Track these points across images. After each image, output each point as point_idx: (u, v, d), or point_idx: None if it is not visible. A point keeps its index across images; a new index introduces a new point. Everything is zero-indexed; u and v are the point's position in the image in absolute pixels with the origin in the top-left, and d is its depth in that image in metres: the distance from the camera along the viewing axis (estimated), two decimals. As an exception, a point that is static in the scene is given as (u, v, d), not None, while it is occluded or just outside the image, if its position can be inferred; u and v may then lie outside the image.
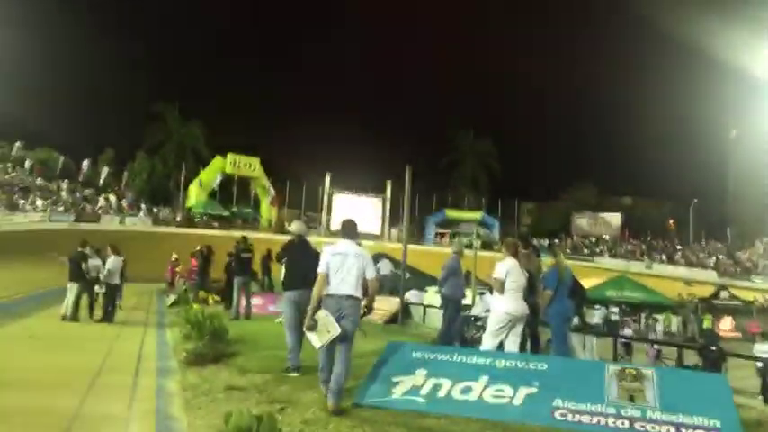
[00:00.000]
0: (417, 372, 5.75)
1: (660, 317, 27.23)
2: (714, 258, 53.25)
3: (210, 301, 15.76)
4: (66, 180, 45.48)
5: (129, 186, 51.48)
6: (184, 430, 4.80)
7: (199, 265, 18.12)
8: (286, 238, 8.58)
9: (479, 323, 9.80)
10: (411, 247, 18.73)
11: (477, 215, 55.34)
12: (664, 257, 54.34)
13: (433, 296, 15.25)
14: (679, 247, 56.62)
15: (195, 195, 49.65)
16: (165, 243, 33.42)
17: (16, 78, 50.49)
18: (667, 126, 64.32)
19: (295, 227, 8.05)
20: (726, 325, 27.48)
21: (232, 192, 51.16)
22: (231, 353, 8.04)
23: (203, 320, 8.68)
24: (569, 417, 5.16)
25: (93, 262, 13.28)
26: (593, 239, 60.06)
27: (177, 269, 23.29)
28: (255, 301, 14.24)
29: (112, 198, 45.70)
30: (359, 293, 5.61)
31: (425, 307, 14.63)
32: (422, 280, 18.88)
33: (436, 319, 11.93)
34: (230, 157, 50.32)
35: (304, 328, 5.73)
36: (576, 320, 9.28)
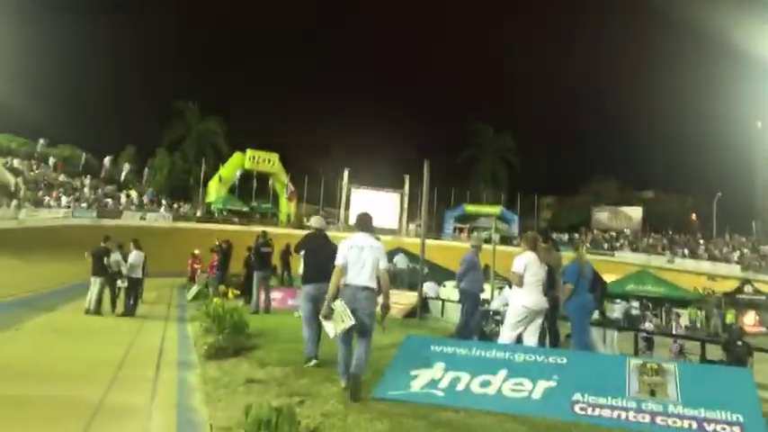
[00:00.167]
0: (436, 365, 5.75)
1: (683, 311, 26.86)
2: (738, 253, 52.34)
3: (230, 295, 15.90)
4: (88, 177, 46.13)
5: (149, 182, 52.06)
6: (205, 423, 4.85)
7: (219, 259, 18.30)
8: (305, 233, 8.64)
9: (498, 317, 9.77)
10: (429, 241, 18.70)
11: (497, 210, 54.96)
12: (686, 252, 53.54)
13: (451, 290, 15.23)
14: (702, 242, 55.74)
15: (215, 191, 50.04)
16: (186, 238, 33.80)
17: (39, 77, 51.42)
18: (689, 119, 63.36)
19: (314, 221, 8.16)
20: (750, 320, 27.02)
21: (251, 187, 51.41)
22: (251, 346, 8.11)
23: (223, 314, 8.78)
24: (589, 411, 5.12)
25: (115, 257, 13.47)
26: (614, 234, 59.38)
27: (197, 265, 23.53)
28: (275, 295, 14.35)
29: (134, 194, 46.25)
30: (374, 284, 5.81)
31: (444, 301, 14.61)
32: (440, 274, 18.85)
33: (455, 313, 11.91)
34: (249, 152, 50.60)
35: (320, 316, 5.95)
36: (596, 314, 9.21)
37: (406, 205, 54.06)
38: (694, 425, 4.89)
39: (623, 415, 5.07)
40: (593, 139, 73.95)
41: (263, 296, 13.13)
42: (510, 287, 7.45)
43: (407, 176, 52.94)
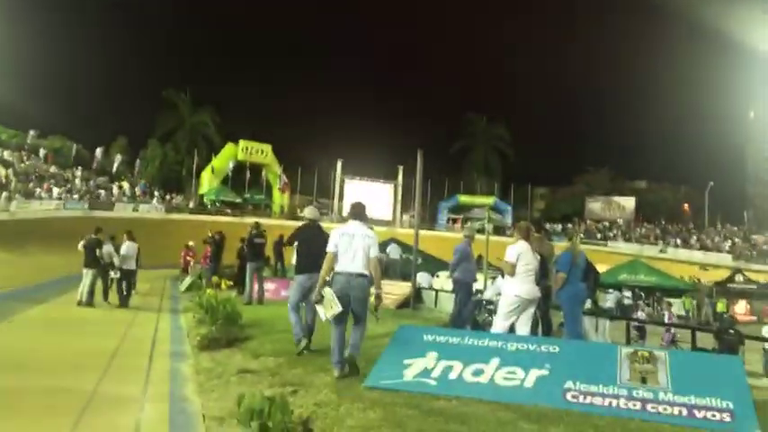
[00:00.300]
0: (428, 354, 5.76)
1: (675, 301, 27.04)
2: (730, 242, 52.67)
3: (223, 286, 15.88)
4: (79, 168, 45.84)
5: (141, 174, 51.79)
6: (198, 413, 4.85)
7: (212, 251, 18.26)
8: (298, 224, 8.63)
9: (491, 307, 9.79)
10: (423, 232, 18.74)
11: (490, 200, 55.04)
12: (678, 241, 53.84)
13: (444, 281, 15.27)
14: (694, 231, 56.06)
15: (208, 182, 49.85)
16: (178, 230, 33.71)
17: (30, 68, 50.94)
18: (683, 109, 63.53)
19: (308, 212, 8.18)
20: (741, 308, 27.24)
21: (244, 178, 51.23)
22: (244, 337, 8.11)
23: (216, 305, 8.76)
24: (581, 398, 5.15)
25: (107, 248, 13.41)
26: (607, 224, 59.61)
27: (191, 256, 23.46)
28: (268, 286, 14.32)
29: (126, 185, 46.02)
30: (367, 271, 5.94)
31: (437, 291, 14.64)
32: (433, 265, 18.88)
33: (448, 303, 11.94)
34: (242, 143, 50.40)
35: (312, 301, 6.27)
36: (588, 304, 9.25)
37: (399, 196, 54.06)
38: (684, 412, 4.93)
39: (614, 402, 5.10)
40: (587, 131, 74.16)
41: (256, 287, 13.11)
42: (503, 277, 7.47)
43: (401, 167, 52.89)
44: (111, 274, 13.50)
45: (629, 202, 62.26)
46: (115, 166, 49.87)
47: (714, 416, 4.89)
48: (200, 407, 4.99)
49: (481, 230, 18.35)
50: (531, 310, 6.89)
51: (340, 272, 5.93)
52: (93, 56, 62.73)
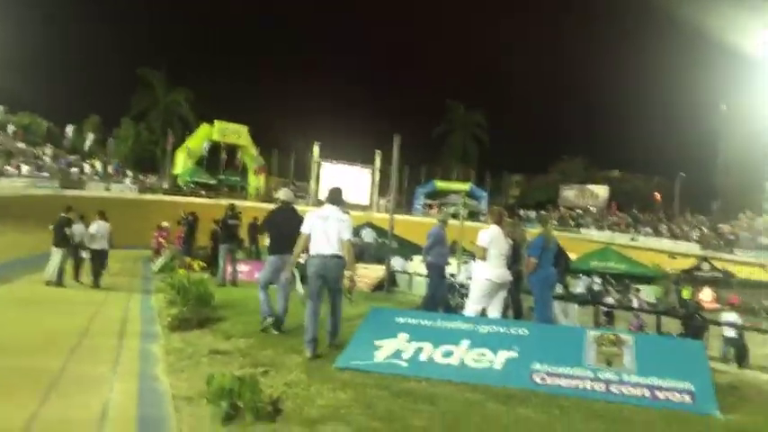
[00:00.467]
0: (400, 336, 5.81)
1: (643, 287, 27.59)
2: (698, 231, 53.83)
3: (196, 267, 15.73)
4: (50, 146, 44.78)
5: (114, 153, 50.82)
6: (167, 392, 4.82)
7: (184, 231, 18.07)
8: (273, 206, 8.59)
9: (463, 290, 9.90)
10: (399, 217, 18.77)
11: (466, 186, 55.27)
12: (649, 230, 54.85)
13: (418, 265, 15.35)
14: (664, 220, 57.15)
15: (182, 163, 49.13)
16: (152, 210, 33.22)
17: (-3, 41, 49.39)
18: (656, 101, 64.45)
19: (282, 194, 8.15)
20: (706, 296, 27.90)
21: (219, 160, 50.60)
22: (216, 318, 8.07)
23: (188, 286, 8.67)
24: (548, 380, 5.26)
25: (78, 228, 13.19)
26: (580, 211, 60.43)
27: (163, 237, 23.14)
28: (242, 268, 14.27)
29: (98, 164, 45.14)
30: (341, 253, 6.08)
31: (411, 275, 14.73)
32: (408, 249, 18.96)
33: (422, 286, 12.02)
34: (218, 124, 49.70)
35: (282, 281, 6.70)
36: (558, 289, 9.40)
37: (377, 181, 54.00)
38: (647, 393, 5.07)
39: (580, 384, 5.22)
40: (563, 120, 74.77)
41: (229, 269, 13.04)
42: (475, 261, 7.54)
43: (379, 152, 52.78)
44: (82, 254, 13.30)
45: (602, 191, 63.13)
46: (87, 144, 48.82)
47: (676, 397, 5.03)
48: (169, 387, 4.96)
49: (456, 216, 18.48)
50: (503, 293, 6.98)
51: (315, 254, 6.07)
52: (64, 32, 61.10)
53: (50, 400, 4.45)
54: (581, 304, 11.67)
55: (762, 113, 53.42)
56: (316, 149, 51.96)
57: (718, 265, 35.17)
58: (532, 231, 8.50)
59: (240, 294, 10.66)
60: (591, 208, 61.16)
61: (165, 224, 23.53)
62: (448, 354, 5.56)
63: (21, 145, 42.43)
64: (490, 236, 6.90)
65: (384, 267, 14.41)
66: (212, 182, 49.64)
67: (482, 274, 6.87)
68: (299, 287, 6.47)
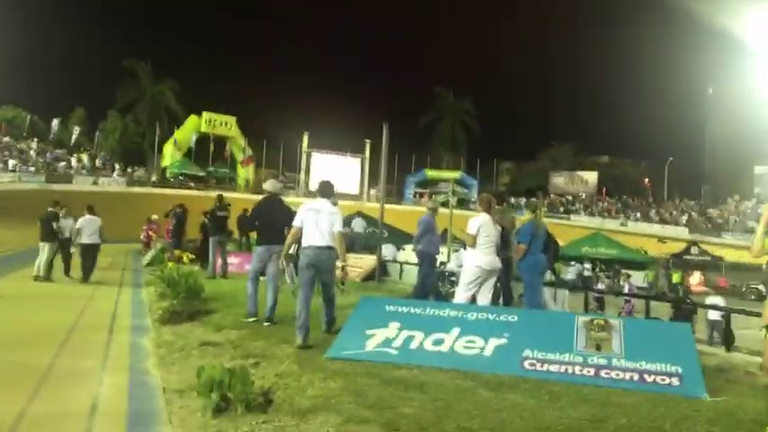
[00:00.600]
0: (390, 325, 5.82)
1: (635, 273, 27.82)
2: (687, 216, 54.26)
3: (185, 259, 15.68)
4: (35, 140, 44.32)
5: (101, 146, 50.40)
6: (158, 385, 4.82)
7: (173, 224, 17.97)
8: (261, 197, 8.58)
9: (454, 278, 9.92)
10: (389, 206, 18.76)
11: (456, 174, 55.36)
12: (638, 215, 55.22)
13: (410, 254, 15.36)
14: (654, 205, 57.54)
15: (170, 155, 48.81)
16: (140, 203, 33.05)
17: (-21, 34, 48.65)
18: (645, 85, 64.57)
19: (268, 185, 8.24)
20: (695, 279, 28.19)
21: (208, 151, 50.32)
22: (207, 311, 8.05)
23: (178, 279, 8.66)
24: (538, 366, 5.29)
25: (66, 222, 13.08)
26: (570, 198, 60.70)
27: (153, 230, 23.02)
28: (232, 260, 14.21)
29: (85, 158, 44.77)
30: (333, 244, 6.23)
31: (402, 264, 14.74)
32: (400, 238, 18.96)
33: (413, 275, 12.03)
34: (206, 115, 49.39)
35: (271, 273, 7.04)
36: (548, 275, 9.44)
37: (367, 170, 53.92)
38: (636, 377, 5.11)
39: (570, 369, 5.25)
40: (552, 106, 74.87)
41: (219, 261, 13.00)
42: (465, 248, 7.56)
43: (368, 141, 52.66)
44: (71, 249, 13.19)
45: (591, 177, 63.44)
46: (73, 137, 48.39)
47: (664, 380, 5.08)
48: (160, 380, 4.96)
49: (445, 204, 18.50)
50: (492, 280, 7.01)
51: (308, 245, 6.20)
52: (47, 24, 60.29)
53: (40, 394, 4.44)
54: (571, 290, 11.73)
55: (749, 97, 53.73)
56: (305, 140, 51.76)
57: (707, 248, 35.51)
58: (522, 218, 8.52)
59: (231, 286, 10.63)
60: (581, 194, 61.45)
61: (154, 217, 23.41)
62: (438, 341, 5.58)
63: (6, 139, 41.99)
64: (479, 223, 6.91)
65: (375, 257, 14.40)
66: (201, 174, 49.40)
67: (472, 262, 6.89)
68: (292, 278, 6.61)
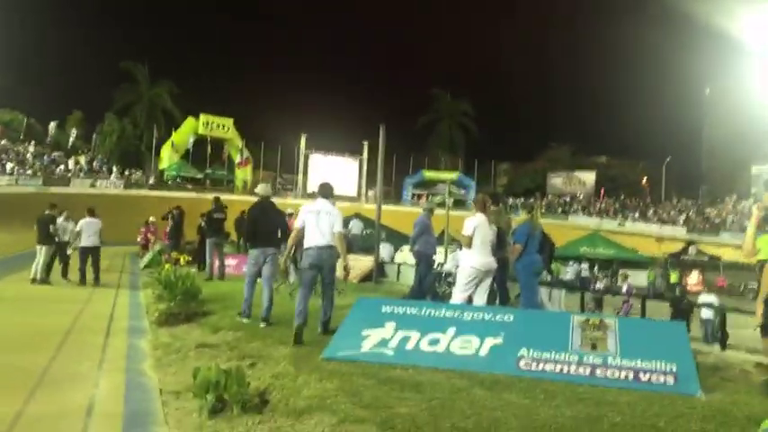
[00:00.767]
0: (386, 325, 5.82)
1: (633, 272, 27.84)
2: (685, 216, 54.34)
3: (182, 261, 15.68)
4: (32, 143, 44.26)
5: (98, 149, 50.33)
6: (154, 387, 4.83)
7: (171, 227, 17.97)
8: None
9: (450, 279, 9.94)
10: (387, 207, 18.78)
11: (454, 176, 55.39)
12: (636, 215, 55.28)
13: (407, 255, 15.38)
14: (651, 205, 57.61)
15: (168, 157, 48.77)
16: (138, 206, 33.05)
17: (-24, 37, 48.63)
18: (644, 85, 64.73)
19: (260, 189, 8.43)
20: (693, 279, 28.21)
21: (206, 153, 50.28)
22: (204, 312, 8.07)
23: (175, 281, 8.67)
24: (534, 366, 5.30)
25: (64, 224, 13.07)
26: (568, 198, 60.74)
27: (151, 233, 23.01)
28: (230, 261, 14.23)
29: (82, 160, 44.72)
30: (334, 243, 6.50)
31: (399, 265, 14.76)
32: (397, 239, 18.98)
33: (410, 276, 12.04)
34: (203, 117, 49.34)
35: (268, 275, 7.33)
36: (544, 275, 9.46)
37: (365, 171, 53.92)
38: (631, 375, 5.13)
39: (566, 368, 5.27)
40: (549, 107, 74.94)
41: (216, 263, 13.01)
42: (461, 249, 7.57)
43: (366, 143, 52.68)
44: (68, 252, 13.18)
45: (589, 177, 63.45)
46: (71, 140, 48.33)
47: (659, 378, 5.10)
48: (156, 381, 4.97)
49: (442, 204, 18.52)
50: (488, 281, 7.02)
51: (310, 246, 6.44)
52: (44, 26, 60.23)
53: (36, 397, 4.44)
54: (569, 290, 11.76)
55: (746, 98, 53.86)
56: (302, 141, 51.77)
57: (705, 248, 35.57)
58: (518, 219, 8.55)
59: (228, 288, 10.64)
60: (578, 195, 61.49)
61: (152, 219, 23.40)
62: (434, 342, 5.60)
63: (3, 142, 41.96)
64: (475, 224, 6.93)
65: (372, 258, 14.42)
66: (199, 176, 49.37)
67: (467, 262, 6.91)
68: (292, 276, 6.83)
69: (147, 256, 18.07)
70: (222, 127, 50.37)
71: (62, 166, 42.35)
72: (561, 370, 5.26)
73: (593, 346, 5.41)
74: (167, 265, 10.79)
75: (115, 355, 6.08)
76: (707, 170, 64.06)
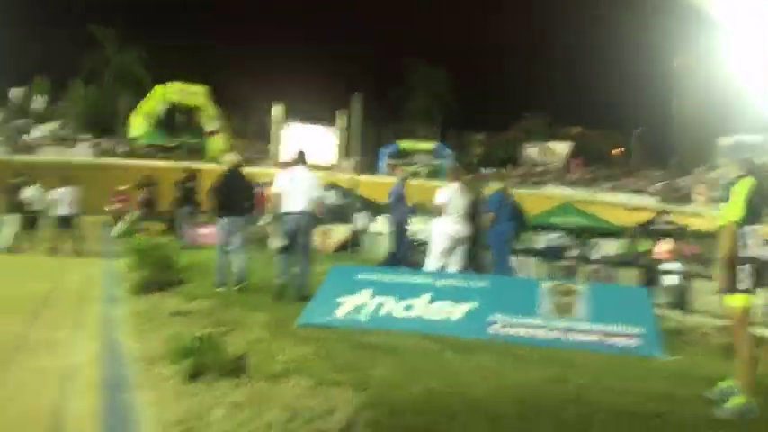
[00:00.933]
0: (361, 292, 5.92)
1: (603, 242, 28.30)
2: (655, 185, 55.31)
3: (156, 230, 15.55)
4: (-3, 110, 42.98)
5: (66, 116, 49.03)
6: (129, 354, 4.85)
7: (143, 195, 17.76)
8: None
9: (424, 248, 10.06)
10: (363, 177, 18.78)
11: (430, 146, 55.37)
12: (609, 185, 56.09)
13: (382, 224, 15.49)
14: (624, 176, 58.47)
15: (138, 125, 47.71)
16: (109, 175, 32.37)
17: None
18: (618, 56, 65.02)
19: (229, 158, 8.44)
20: (663, 248, 28.83)
21: (177, 121, 49.26)
22: (179, 281, 8.07)
23: (149, 249, 8.65)
24: (505, 330, 5.49)
25: (32, 192, 12.82)
26: (542, 168, 61.27)
27: (122, 201, 22.63)
28: (204, 231, 14.15)
29: (50, 127, 43.60)
30: (310, 209, 6.75)
31: (374, 235, 14.86)
32: (373, 209, 19.02)
33: (385, 246, 12.15)
34: (174, 85, 48.26)
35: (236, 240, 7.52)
36: (516, 243, 9.64)
37: (340, 141, 53.56)
38: (598, 338, 5.35)
39: (535, 333, 5.46)
40: (526, 78, 74.88)
41: (190, 232, 12.96)
42: (435, 219, 7.67)
43: (342, 112, 52.17)
44: (40, 221, 12.95)
45: (563, 148, 63.96)
46: (37, 107, 47.01)
47: (624, 341, 5.33)
48: (132, 349, 4.99)
49: (416, 174, 18.59)
50: (461, 249, 7.15)
51: (288, 211, 6.69)
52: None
53: (9, 366, 4.43)
54: (541, 259, 12.00)
55: (715, 70, 54.53)
56: (277, 110, 51.08)
57: (674, 218, 36.28)
58: (490, 188, 8.68)
59: (203, 257, 10.59)
60: (552, 165, 62.04)
61: (123, 188, 23.00)
62: (408, 307, 5.73)
63: (-35, 109, 40.63)
64: (447, 194, 7.03)
65: (348, 228, 14.50)
66: (171, 144, 48.46)
67: (440, 231, 7.02)
68: (274, 242, 7.13)
69: (120, 226, 17.85)
70: (194, 94, 49.36)
71: (29, 135, 41.27)
72: (531, 334, 5.44)
73: (562, 311, 5.59)
74: (141, 235, 10.70)
75: (90, 322, 6.08)
76: (677, 142, 65.04)
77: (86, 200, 14.08)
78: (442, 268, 7.14)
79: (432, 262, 7.18)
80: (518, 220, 8.27)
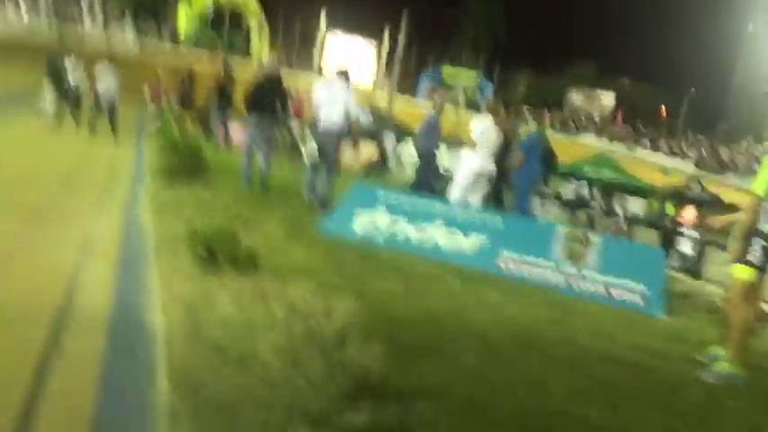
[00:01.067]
0: (381, 212, 6.00)
1: (632, 199, 27.82)
2: (697, 151, 53.66)
3: (190, 124, 15.64)
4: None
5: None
6: (149, 232, 5.00)
7: (181, 89, 17.74)
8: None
9: (449, 176, 10.05)
10: (400, 99, 18.48)
11: (473, 75, 53.97)
12: (648, 143, 54.56)
13: (411, 148, 15.42)
14: (666, 135, 56.72)
15: (185, 21, 47.28)
16: (152, 69, 32.37)
17: None
18: (684, 11, 61.53)
19: (268, 60, 8.35)
20: (689, 214, 28.28)
21: (223, 22, 48.61)
22: (205, 173, 8.19)
23: (181, 140, 8.77)
24: (512, 266, 5.56)
25: (72, 65, 12.77)
26: (583, 117, 59.62)
27: (156, 90, 22.63)
28: (236, 132, 14.20)
29: (96, 5, 43.29)
30: (343, 123, 6.82)
31: (403, 159, 14.84)
32: (404, 133, 18.88)
33: (412, 170, 12.14)
34: (223, -15, 47.25)
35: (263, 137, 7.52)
36: (542, 186, 9.58)
37: (383, 59, 52.41)
38: (603, 290, 5.40)
39: (542, 274, 5.53)
40: (580, 22, 71.62)
41: (223, 130, 13.04)
42: (464, 150, 7.63)
43: (387, 27, 50.73)
44: (81, 98, 12.94)
45: (608, 98, 61.98)
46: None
47: (628, 296, 5.38)
48: (152, 227, 5.15)
49: (454, 102, 18.28)
50: (484, 182, 7.14)
51: (321, 121, 6.81)
52: None
53: (37, 226, 4.63)
54: (565, 206, 11.93)
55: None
56: (322, 17, 49.91)
57: (710, 186, 35.39)
58: (527, 128, 8.56)
59: (232, 157, 10.73)
60: (594, 114, 60.30)
61: (160, 72, 22.92)
62: (423, 233, 5.82)
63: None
64: (482, 127, 6.95)
65: (377, 148, 14.47)
66: (216, 43, 47.99)
67: (467, 163, 7.00)
68: (306, 151, 7.25)
69: (155, 113, 17.96)
70: (242, -4, 48.32)
71: (73, 8, 41.12)
72: (538, 275, 5.51)
73: (573, 258, 5.63)
74: (174, 125, 10.80)
75: (115, 199, 6.28)
76: (729, 108, 62.43)
77: (127, 89, 14.04)
78: (465, 201, 7.16)
79: (454, 192, 7.19)
80: (548, 165, 8.18)
